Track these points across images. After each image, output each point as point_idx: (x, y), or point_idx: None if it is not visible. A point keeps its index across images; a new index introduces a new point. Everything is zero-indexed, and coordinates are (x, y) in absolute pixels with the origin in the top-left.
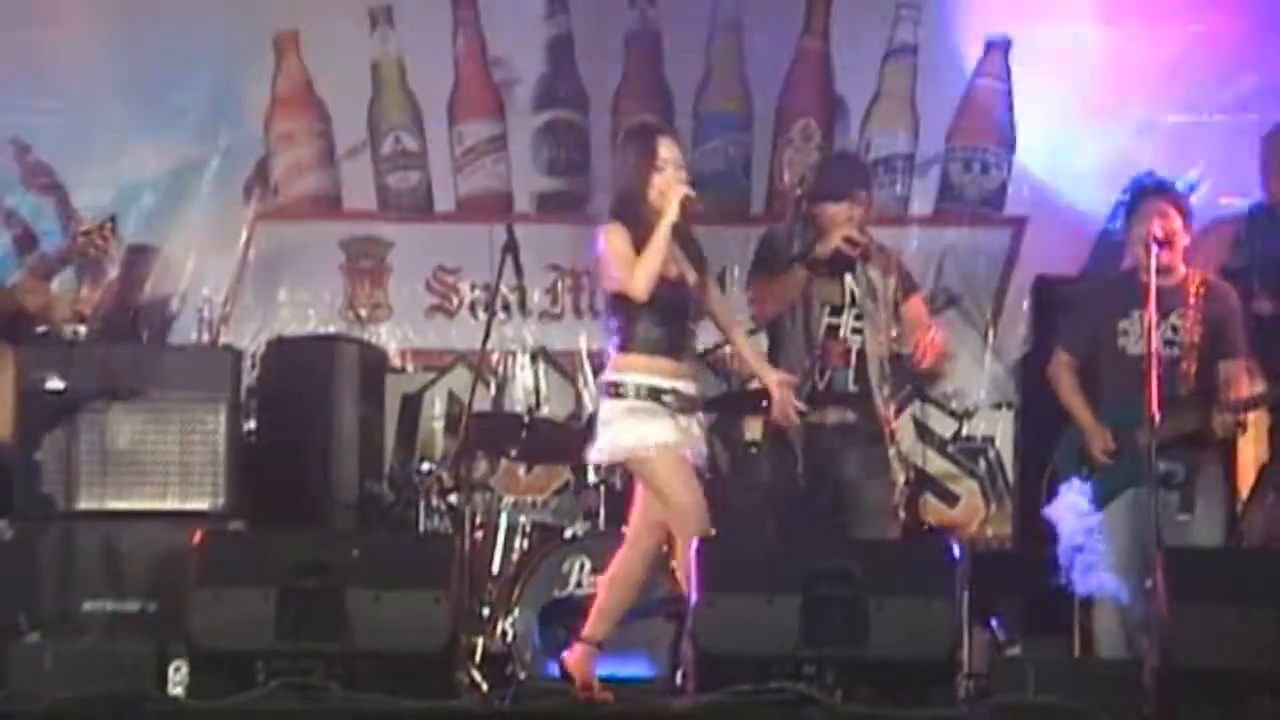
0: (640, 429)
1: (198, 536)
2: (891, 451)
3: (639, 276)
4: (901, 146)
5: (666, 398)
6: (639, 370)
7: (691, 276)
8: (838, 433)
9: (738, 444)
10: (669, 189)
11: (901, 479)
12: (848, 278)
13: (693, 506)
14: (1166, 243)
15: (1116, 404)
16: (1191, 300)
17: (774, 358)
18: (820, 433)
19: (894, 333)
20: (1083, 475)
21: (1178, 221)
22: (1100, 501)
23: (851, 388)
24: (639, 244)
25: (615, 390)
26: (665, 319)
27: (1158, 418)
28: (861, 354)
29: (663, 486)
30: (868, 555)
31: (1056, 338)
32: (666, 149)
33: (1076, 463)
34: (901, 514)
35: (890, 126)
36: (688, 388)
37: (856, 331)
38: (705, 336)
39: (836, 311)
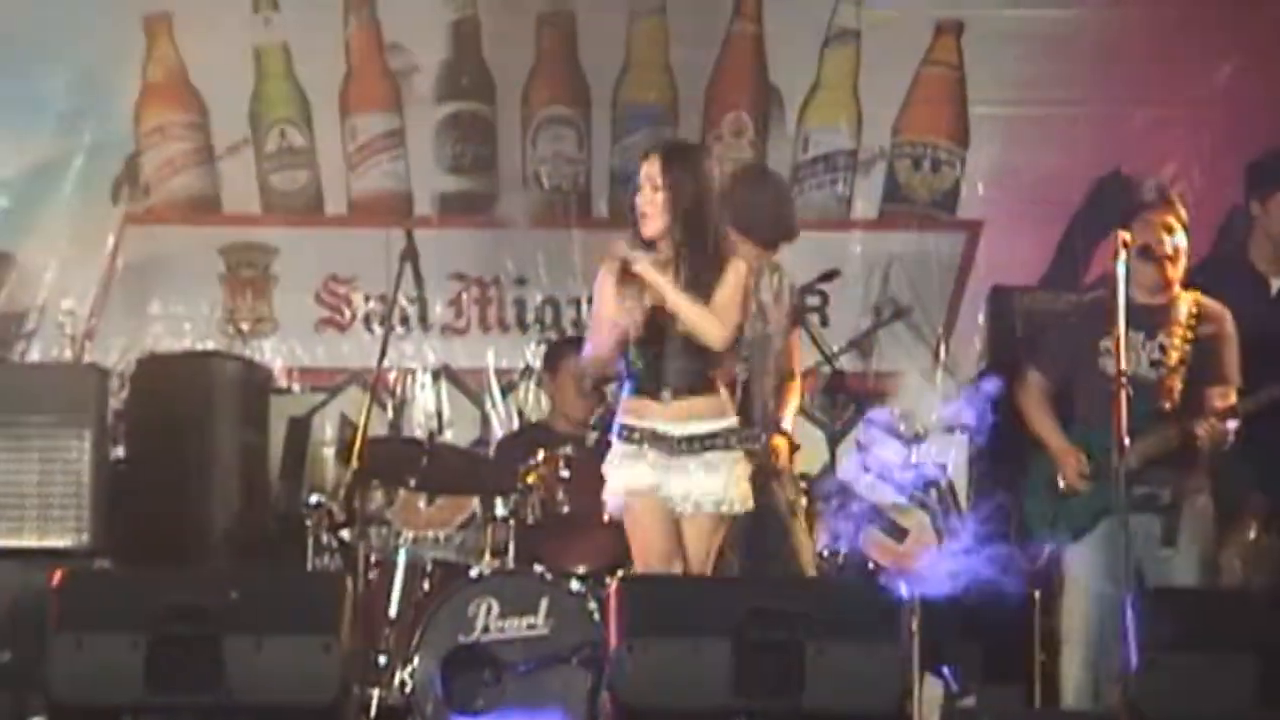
0: (616, 474)
1: (58, 577)
2: (775, 485)
3: (587, 348)
4: (843, 142)
5: (635, 437)
6: (622, 410)
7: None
8: None
9: None
10: (610, 251)
11: (799, 500)
12: None
13: (651, 563)
14: (1169, 259)
15: (1093, 427)
16: (1182, 320)
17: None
18: None
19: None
20: (1051, 506)
21: (1180, 236)
22: (1073, 534)
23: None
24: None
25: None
26: (643, 353)
27: (1128, 441)
28: (747, 389)
29: (630, 538)
30: (805, 596)
31: (1026, 359)
32: (645, 168)
33: (1046, 491)
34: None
35: (830, 120)
36: (673, 428)
37: (745, 360)
38: None
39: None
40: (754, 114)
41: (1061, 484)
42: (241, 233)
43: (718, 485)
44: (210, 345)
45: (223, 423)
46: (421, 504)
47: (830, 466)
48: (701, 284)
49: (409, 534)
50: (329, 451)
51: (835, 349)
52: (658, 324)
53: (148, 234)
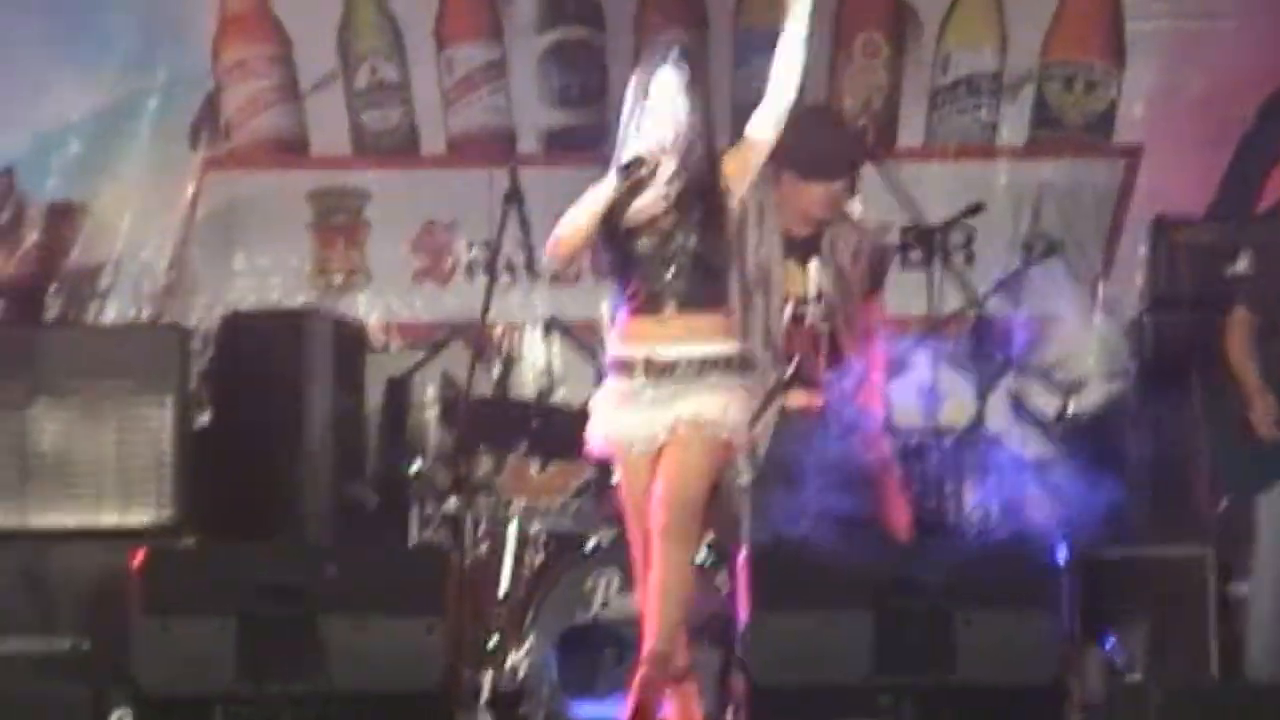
0: (603, 415)
1: (140, 557)
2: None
3: (554, 234)
4: (987, 63)
5: (630, 368)
6: (616, 337)
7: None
8: (802, 418)
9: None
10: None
11: None
12: (813, 265)
13: (638, 550)
14: None
15: None
16: None
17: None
18: (786, 420)
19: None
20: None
21: None
22: (1265, 484)
23: (819, 374)
24: (631, 196)
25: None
26: (647, 263)
27: None
28: (834, 342)
29: (621, 491)
30: (952, 561)
31: (1236, 292)
32: (659, 81)
33: (1237, 437)
34: None
35: (973, 39)
36: (673, 350)
37: (826, 319)
38: None
39: (802, 303)
40: (888, 34)
41: (1259, 430)
42: (331, 176)
43: (715, 405)
44: (300, 301)
45: (315, 385)
46: (533, 470)
47: (979, 419)
48: (711, 223)
49: (520, 503)
50: (431, 414)
51: (981, 291)
52: (665, 230)
53: (229, 180)
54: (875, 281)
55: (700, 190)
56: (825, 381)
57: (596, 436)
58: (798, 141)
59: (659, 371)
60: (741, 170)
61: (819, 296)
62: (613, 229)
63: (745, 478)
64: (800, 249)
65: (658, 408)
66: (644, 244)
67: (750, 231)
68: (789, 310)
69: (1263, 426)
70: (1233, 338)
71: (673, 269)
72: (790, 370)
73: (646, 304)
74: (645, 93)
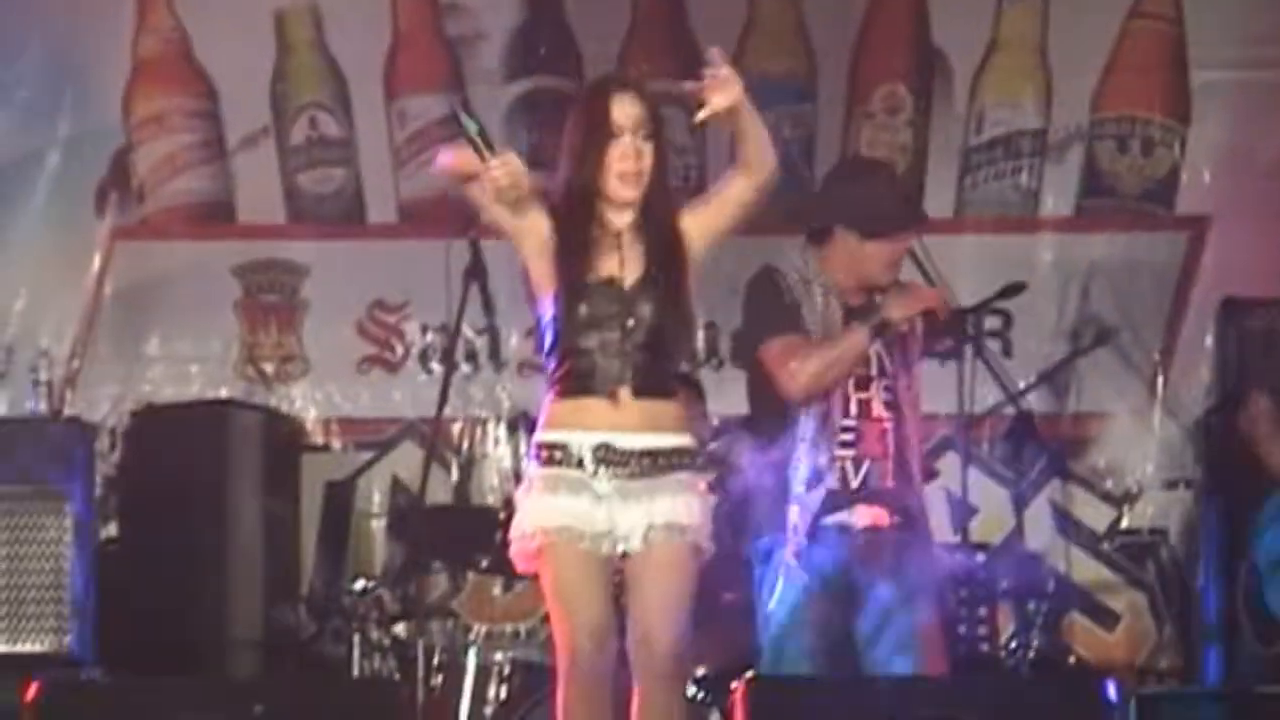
0: (533, 506)
1: (33, 690)
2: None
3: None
4: (1028, 120)
5: (569, 455)
6: (546, 422)
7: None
8: (869, 538)
9: None
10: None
11: None
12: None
13: (568, 635)
14: None
15: None
16: None
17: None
18: (848, 537)
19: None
20: None
21: None
22: None
23: (889, 482)
24: (580, 255)
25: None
26: (593, 334)
27: None
28: (900, 434)
29: (550, 597)
30: (986, 700)
31: (1253, 379)
32: (623, 107)
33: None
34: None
35: (1012, 92)
36: (631, 440)
37: (890, 407)
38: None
39: (863, 384)
40: (913, 86)
41: None
42: (262, 248)
43: (689, 508)
44: (224, 393)
45: (242, 490)
46: (496, 591)
47: (1017, 534)
48: (669, 263)
49: (480, 628)
50: (378, 525)
51: (1021, 384)
52: (619, 294)
53: (143, 252)
54: (922, 351)
55: (663, 248)
56: (894, 491)
57: (527, 531)
58: (854, 196)
59: (615, 463)
60: (708, 230)
61: (881, 373)
62: (572, 284)
63: (773, 605)
64: (856, 320)
65: (617, 504)
66: (596, 309)
67: (804, 305)
68: (853, 395)
69: None
70: (1259, 426)
71: (629, 344)
72: (858, 479)
73: (595, 384)
74: (595, 122)
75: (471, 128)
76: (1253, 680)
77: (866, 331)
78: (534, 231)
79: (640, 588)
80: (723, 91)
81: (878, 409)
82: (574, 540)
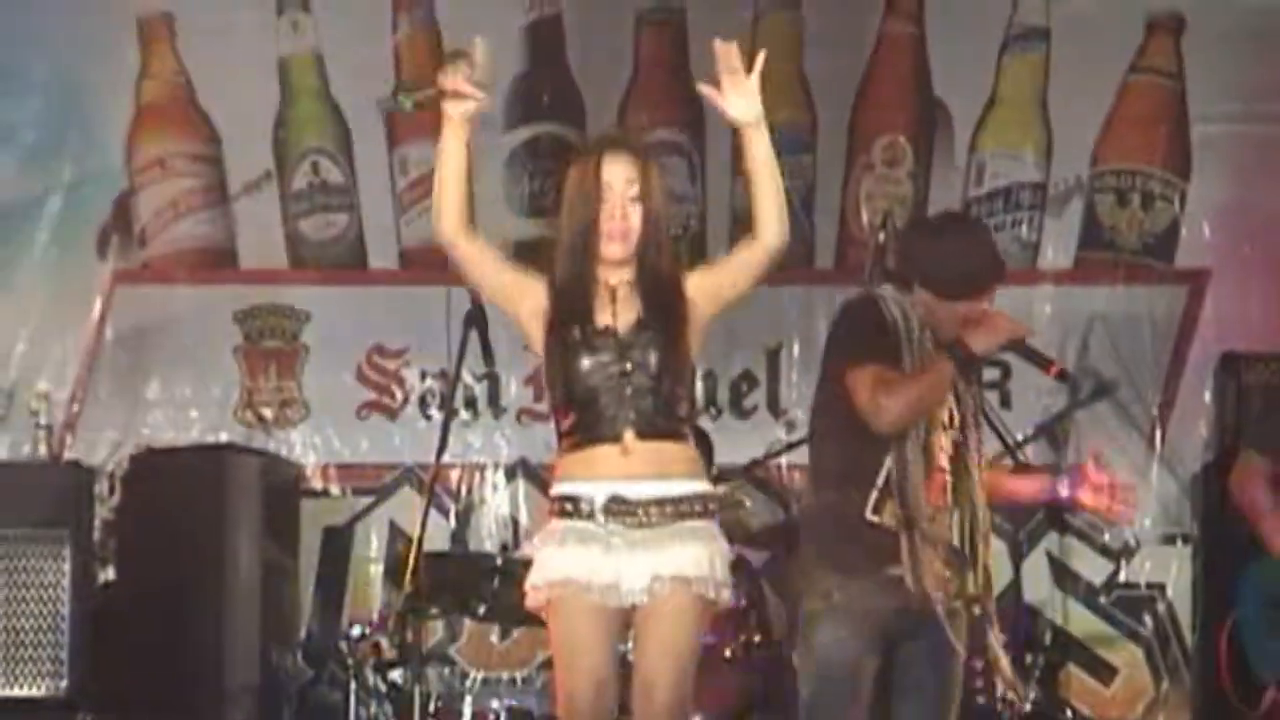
0: (540, 560)
1: None
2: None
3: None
4: (1028, 172)
5: (581, 507)
6: (559, 475)
7: (629, 318)
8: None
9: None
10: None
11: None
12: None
13: (569, 682)
14: None
15: None
16: None
17: (863, 484)
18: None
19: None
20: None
21: None
22: None
23: (955, 540)
24: (576, 308)
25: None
26: (599, 383)
27: None
28: (967, 495)
29: (556, 649)
30: None
31: (1246, 436)
32: (613, 167)
33: (1266, 605)
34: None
35: (1012, 143)
36: (638, 488)
37: (955, 461)
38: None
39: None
40: (912, 137)
41: None
42: (263, 293)
43: (699, 559)
44: (224, 437)
45: (240, 535)
46: (493, 638)
47: (1015, 587)
48: (664, 313)
49: (477, 675)
50: (376, 570)
51: (1019, 437)
52: (615, 341)
53: (144, 296)
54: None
55: (658, 299)
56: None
57: (540, 582)
58: (937, 257)
59: (624, 514)
60: (713, 294)
61: (949, 423)
62: (563, 339)
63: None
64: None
65: (626, 556)
66: (595, 357)
67: (903, 338)
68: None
69: None
70: (1247, 489)
71: (629, 388)
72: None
73: (600, 431)
74: (585, 181)
75: (407, 104)
76: None
77: (951, 365)
78: (531, 293)
79: (644, 637)
80: (741, 94)
81: (941, 459)
82: (580, 592)
